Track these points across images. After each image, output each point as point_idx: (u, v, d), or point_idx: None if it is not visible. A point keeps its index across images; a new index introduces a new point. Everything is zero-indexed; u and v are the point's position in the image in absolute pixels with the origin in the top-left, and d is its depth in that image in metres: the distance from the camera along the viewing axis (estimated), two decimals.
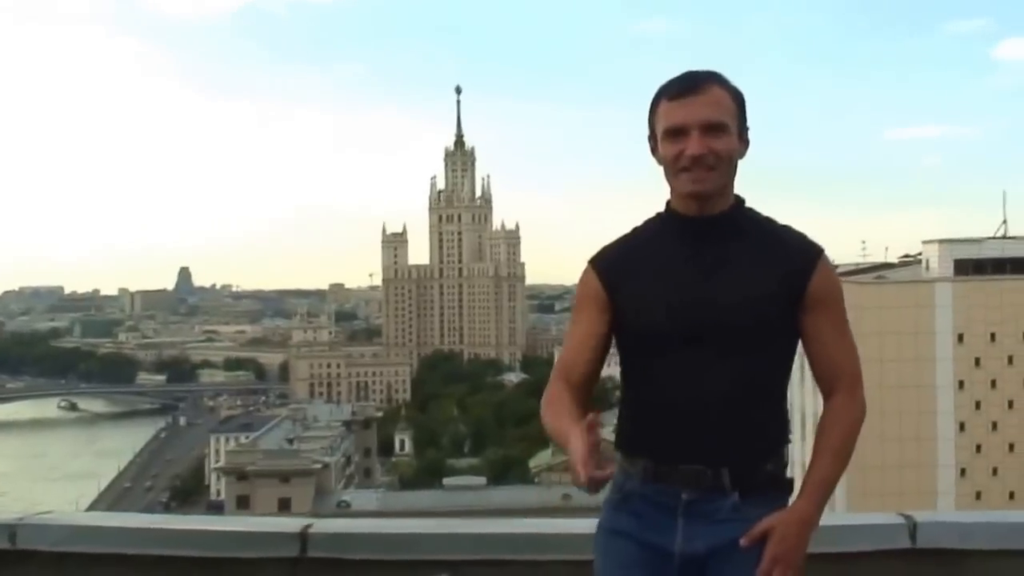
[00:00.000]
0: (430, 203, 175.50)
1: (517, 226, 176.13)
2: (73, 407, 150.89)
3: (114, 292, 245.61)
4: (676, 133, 2.41)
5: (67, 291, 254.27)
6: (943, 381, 41.77)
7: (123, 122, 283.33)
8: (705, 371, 2.39)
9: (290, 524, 3.22)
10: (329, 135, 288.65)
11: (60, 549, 3.26)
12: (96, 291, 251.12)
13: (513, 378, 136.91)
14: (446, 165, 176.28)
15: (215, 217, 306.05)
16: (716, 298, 2.39)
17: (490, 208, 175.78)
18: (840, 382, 2.50)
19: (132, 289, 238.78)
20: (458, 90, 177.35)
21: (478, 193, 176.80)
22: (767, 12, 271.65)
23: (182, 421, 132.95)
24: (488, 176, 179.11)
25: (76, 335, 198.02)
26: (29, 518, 3.36)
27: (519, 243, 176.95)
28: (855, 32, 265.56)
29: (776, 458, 2.46)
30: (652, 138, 2.50)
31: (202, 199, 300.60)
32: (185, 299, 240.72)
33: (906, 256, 50.45)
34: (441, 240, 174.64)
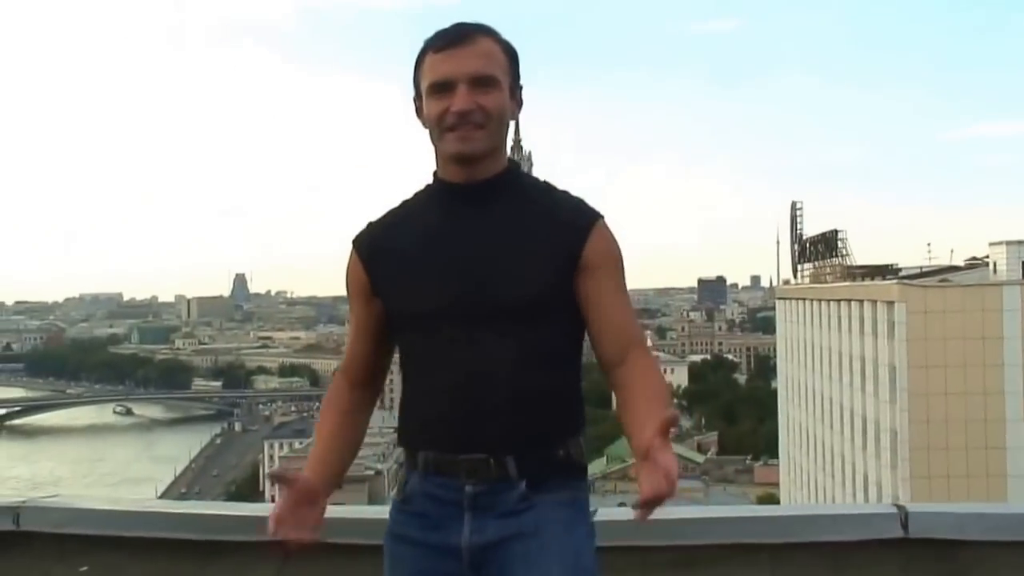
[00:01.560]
0: None
1: None
2: (129, 412, 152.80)
3: (171, 299, 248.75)
4: (441, 88, 2.15)
5: (126, 298, 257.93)
6: (1012, 388, 40.63)
7: (178, 132, 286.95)
8: (481, 352, 2.11)
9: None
10: (382, 141, 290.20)
11: (61, 531, 3.32)
12: (154, 298, 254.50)
13: None
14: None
15: (270, 224, 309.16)
16: (487, 271, 2.14)
17: None
18: (635, 347, 2.19)
19: (189, 296, 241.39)
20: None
21: None
22: (828, 8, 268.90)
23: (237, 427, 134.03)
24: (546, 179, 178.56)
25: (134, 341, 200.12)
26: (32, 501, 3.42)
27: None
28: (919, 28, 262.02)
29: (570, 443, 2.17)
30: (417, 98, 2.23)
31: (257, 206, 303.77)
32: (241, 305, 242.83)
33: (973, 259, 49.54)
34: None
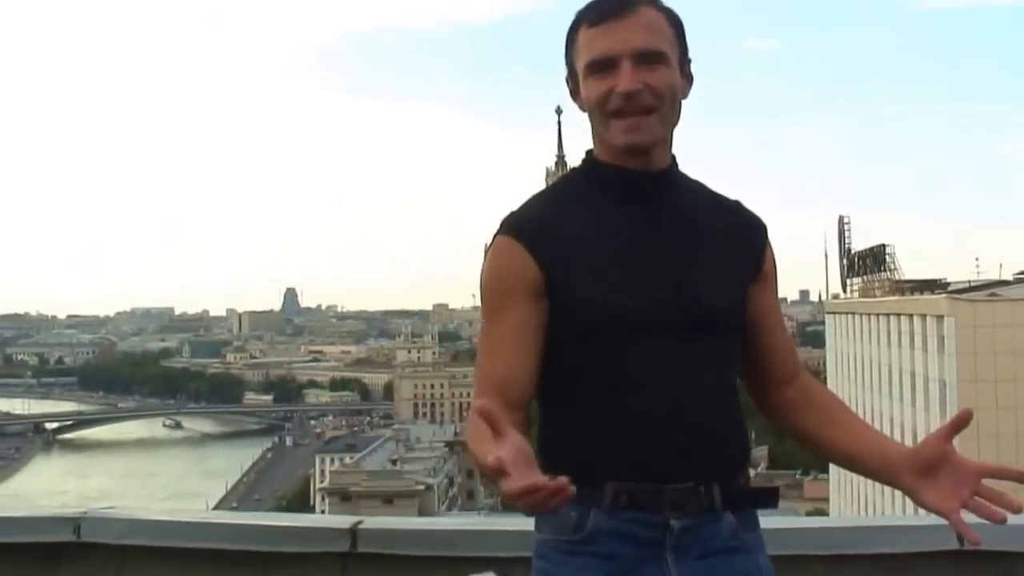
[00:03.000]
0: None
1: None
2: (178, 426, 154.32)
3: (222, 313, 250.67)
4: (602, 66, 1.85)
5: (177, 312, 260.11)
6: None
7: (230, 148, 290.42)
8: (693, 367, 1.83)
9: (341, 520, 3.26)
10: (431, 160, 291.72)
11: (122, 542, 3.32)
12: (205, 312, 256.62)
13: None
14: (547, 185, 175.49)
15: (321, 238, 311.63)
16: (693, 274, 1.87)
17: None
18: (799, 365, 2.06)
19: (240, 310, 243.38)
20: (559, 111, 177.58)
21: None
22: (877, 26, 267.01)
23: (288, 441, 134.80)
24: None
25: (185, 355, 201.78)
26: (92, 512, 3.43)
27: None
28: (966, 44, 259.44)
29: (749, 467, 1.95)
30: (571, 78, 1.94)
31: (308, 221, 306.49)
32: (291, 319, 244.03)
33: (1021, 273, 49.18)
34: None
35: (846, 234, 60.14)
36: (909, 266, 57.36)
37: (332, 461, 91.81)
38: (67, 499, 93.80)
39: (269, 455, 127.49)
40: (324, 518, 3.27)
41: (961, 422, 1.83)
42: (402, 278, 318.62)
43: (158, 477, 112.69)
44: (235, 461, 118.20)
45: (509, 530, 3.23)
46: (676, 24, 1.91)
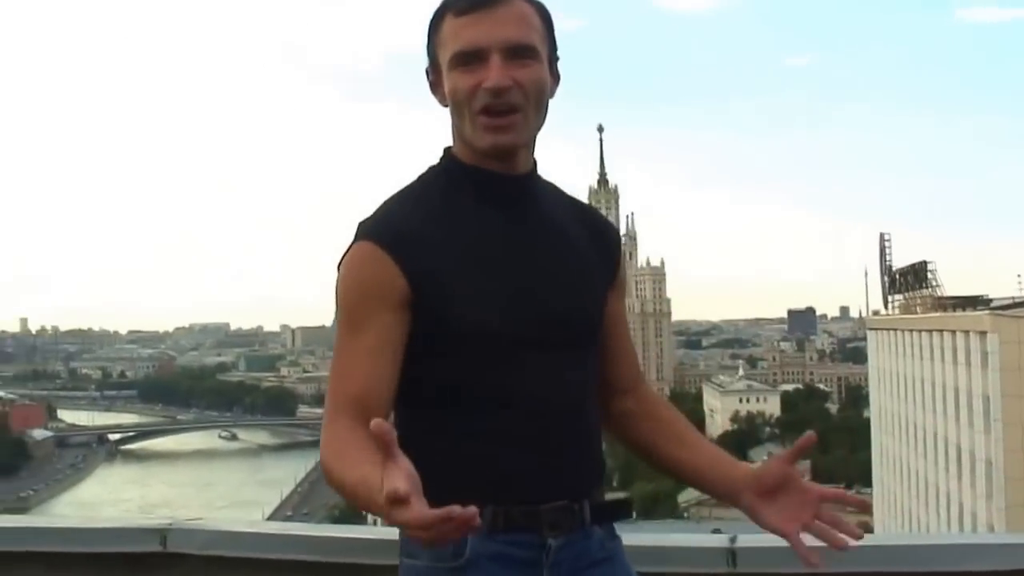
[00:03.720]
0: None
1: (662, 262, 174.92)
2: (234, 437, 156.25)
3: (276, 328, 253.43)
4: (469, 58, 1.71)
5: (233, 328, 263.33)
6: None
7: (281, 168, 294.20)
8: (558, 381, 1.76)
9: None
10: None
11: (207, 553, 3.31)
12: (259, 327, 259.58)
13: None
14: (590, 203, 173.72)
15: None
16: (561, 285, 1.79)
17: (635, 245, 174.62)
18: (641, 376, 2.04)
19: (293, 326, 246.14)
20: (600, 129, 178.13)
21: (623, 231, 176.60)
22: (918, 39, 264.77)
23: None
24: (632, 213, 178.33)
25: (241, 369, 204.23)
26: (178, 523, 3.42)
27: (664, 279, 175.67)
28: (1011, 57, 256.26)
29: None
30: (433, 69, 1.79)
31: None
32: None
33: None
34: None
35: (887, 251, 60.65)
36: (950, 283, 57.55)
37: None
38: (129, 507, 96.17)
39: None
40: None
41: (805, 446, 1.87)
42: None
43: (216, 487, 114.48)
44: (289, 472, 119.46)
45: None
46: (546, 19, 1.79)
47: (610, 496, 1.89)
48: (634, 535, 2.28)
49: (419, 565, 1.74)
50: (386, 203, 1.78)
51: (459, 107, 1.74)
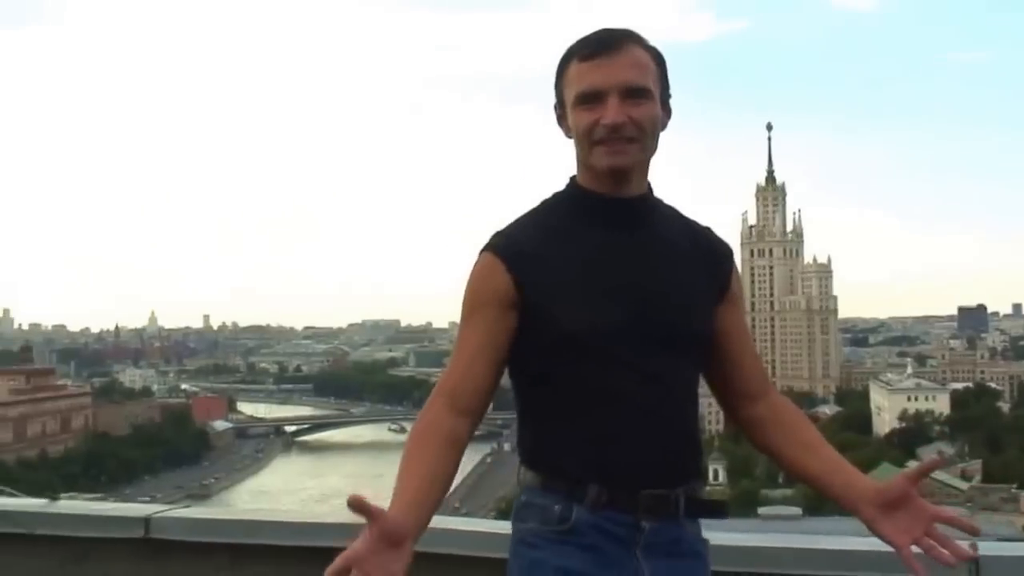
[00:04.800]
0: (741, 238, 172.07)
1: (829, 259, 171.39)
2: (403, 430, 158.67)
3: (445, 325, 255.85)
4: (591, 99, 1.99)
5: (403, 324, 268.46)
6: None
7: (441, 171, 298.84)
8: (660, 383, 1.98)
9: None
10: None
11: (430, 551, 2.99)
12: (429, 324, 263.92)
13: (827, 411, 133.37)
14: (757, 200, 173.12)
15: None
16: (662, 297, 2.00)
17: (801, 242, 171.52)
18: (769, 384, 2.21)
19: None
20: (769, 127, 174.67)
21: (789, 227, 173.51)
22: None
23: (507, 447, 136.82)
24: (799, 210, 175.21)
25: (411, 364, 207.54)
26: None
27: (831, 276, 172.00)
28: None
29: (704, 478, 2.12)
30: (560, 105, 2.08)
31: None
32: None
33: None
34: (752, 274, 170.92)
35: None
36: None
37: None
38: (305, 496, 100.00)
39: (489, 459, 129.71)
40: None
41: (931, 467, 2.04)
42: None
43: (385, 478, 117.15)
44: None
45: (780, 547, 3.03)
46: (660, 62, 2.05)
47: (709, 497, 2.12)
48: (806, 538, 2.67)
49: (531, 527, 2.02)
50: (515, 221, 2.09)
51: (581, 140, 2.04)
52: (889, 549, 2.03)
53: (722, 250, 2.19)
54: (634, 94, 1.99)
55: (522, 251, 2.02)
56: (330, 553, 3.35)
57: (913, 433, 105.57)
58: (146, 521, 3.66)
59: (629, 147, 2.00)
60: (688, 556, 2.03)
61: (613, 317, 1.98)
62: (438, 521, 2.81)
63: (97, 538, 3.73)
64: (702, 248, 2.13)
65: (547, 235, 2.04)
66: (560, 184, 2.16)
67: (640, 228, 2.06)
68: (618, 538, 1.97)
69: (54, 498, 4.12)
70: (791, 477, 2.24)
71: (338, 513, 3.30)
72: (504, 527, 2.35)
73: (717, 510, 2.09)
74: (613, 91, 1.99)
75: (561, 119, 2.10)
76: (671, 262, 2.06)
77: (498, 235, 2.07)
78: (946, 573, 2.56)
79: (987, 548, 2.60)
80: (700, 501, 2.06)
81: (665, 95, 2.07)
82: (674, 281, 2.05)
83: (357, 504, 1.78)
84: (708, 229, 2.19)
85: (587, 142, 2.02)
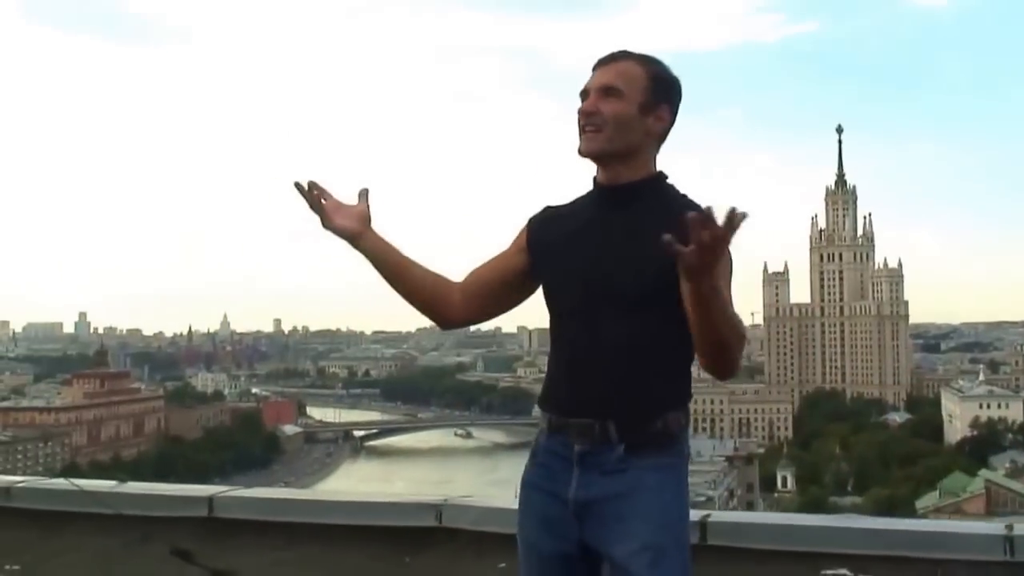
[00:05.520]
0: (811, 242, 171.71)
1: (900, 264, 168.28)
2: (469, 435, 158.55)
3: (513, 330, 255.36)
4: (583, 95, 2.51)
5: (471, 329, 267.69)
6: None
7: (508, 168, 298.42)
8: (595, 332, 2.42)
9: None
10: (707, 178, 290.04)
11: (478, 528, 3.51)
12: (497, 329, 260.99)
13: (897, 418, 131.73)
14: (827, 204, 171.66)
15: None
16: (610, 259, 2.44)
17: (872, 246, 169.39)
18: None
19: (530, 327, 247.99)
20: (839, 129, 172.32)
21: (859, 231, 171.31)
22: None
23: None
24: (870, 214, 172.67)
25: (479, 370, 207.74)
26: (452, 499, 3.67)
27: (902, 281, 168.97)
28: None
29: (668, 418, 2.45)
30: None
31: None
32: None
33: None
34: (822, 278, 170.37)
35: None
36: None
37: None
38: None
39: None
40: None
41: (733, 221, 2.09)
42: None
43: (452, 484, 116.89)
44: (522, 470, 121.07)
45: (862, 528, 3.34)
46: (656, 79, 2.52)
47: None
48: (909, 521, 2.97)
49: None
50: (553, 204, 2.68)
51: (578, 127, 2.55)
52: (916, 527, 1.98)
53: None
54: (608, 92, 2.48)
55: (541, 219, 2.62)
56: (377, 532, 3.54)
57: (985, 441, 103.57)
58: (209, 501, 3.81)
59: (595, 135, 2.49)
60: (622, 472, 2.42)
61: (570, 277, 2.49)
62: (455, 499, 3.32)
63: (163, 517, 3.87)
64: (671, 219, 2.22)
65: (563, 211, 2.61)
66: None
67: (620, 207, 2.50)
68: (562, 457, 2.47)
69: (123, 479, 4.37)
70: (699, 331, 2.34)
71: (386, 493, 3.72)
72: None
73: (660, 440, 2.44)
74: (593, 89, 2.50)
75: None
76: (633, 232, 2.43)
77: (540, 210, 2.66)
78: (981, 551, 2.88)
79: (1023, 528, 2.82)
80: (635, 432, 2.42)
81: (653, 104, 2.50)
82: (627, 252, 2.43)
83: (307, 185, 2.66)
84: (692, 203, 2.40)
85: (578, 130, 2.52)
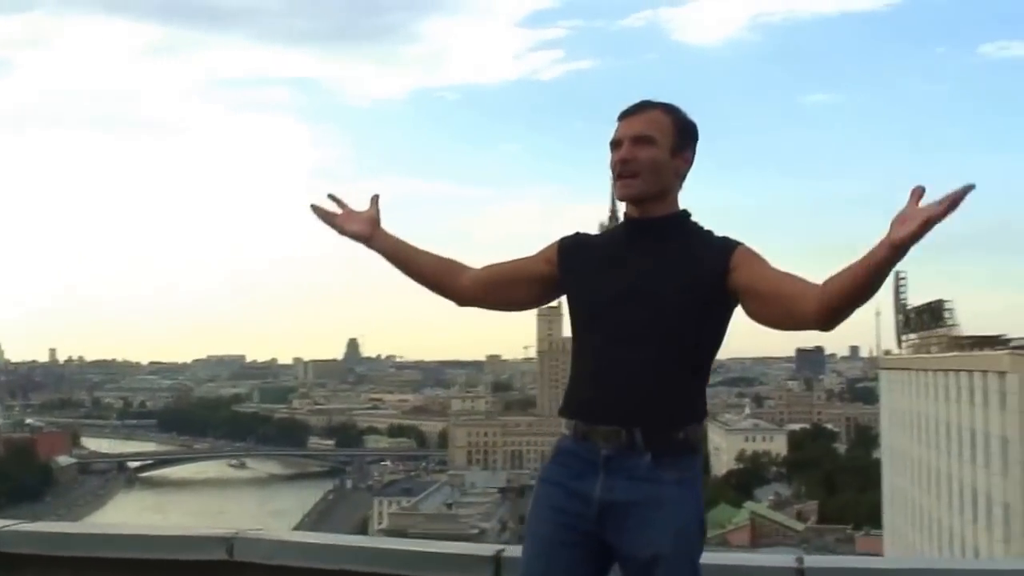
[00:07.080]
0: None
1: None
2: (243, 466, 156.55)
3: (289, 361, 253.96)
4: (614, 146, 2.75)
5: (247, 360, 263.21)
6: None
7: (293, 201, 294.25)
8: (625, 348, 2.64)
9: (485, 549, 3.38)
10: (489, 211, 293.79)
11: (271, 562, 3.45)
12: (273, 360, 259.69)
13: None
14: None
15: (381, 290, 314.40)
16: (639, 285, 2.67)
17: None
18: (808, 285, 2.58)
19: (306, 359, 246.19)
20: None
21: None
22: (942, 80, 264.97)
23: (348, 484, 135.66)
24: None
25: (255, 401, 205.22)
26: (243, 532, 3.56)
27: None
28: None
29: (688, 429, 2.68)
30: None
31: (370, 274, 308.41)
32: (353, 368, 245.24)
33: None
34: None
35: (901, 290, 58.82)
36: (967, 322, 55.48)
37: (390, 504, 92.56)
38: None
39: (330, 496, 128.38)
40: (469, 546, 3.49)
41: (961, 196, 2.31)
42: (458, 330, 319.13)
43: (228, 515, 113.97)
44: (299, 501, 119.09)
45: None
46: (678, 123, 2.79)
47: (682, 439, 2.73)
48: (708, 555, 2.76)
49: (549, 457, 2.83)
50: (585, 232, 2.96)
51: (613, 176, 2.79)
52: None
53: (715, 249, 2.72)
54: (641, 140, 2.73)
55: (574, 242, 2.87)
56: (166, 566, 3.47)
57: (750, 474, 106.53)
58: None
59: (632, 181, 2.74)
60: (649, 482, 2.63)
61: (600, 298, 2.72)
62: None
63: None
64: (698, 251, 2.71)
65: (595, 240, 2.88)
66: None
67: (647, 239, 2.75)
68: (586, 460, 2.68)
69: None
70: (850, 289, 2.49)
71: (175, 526, 4.34)
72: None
73: (682, 450, 2.68)
74: (627, 138, 2.74)
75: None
76: (660, 266, 2.69)
77: (575, 234, 2.91)
78: None
79: (811, 561, 3.07)
80: (660, 439, 2.64)
81: (679, 147, 2.76)
82: (650, 276, 2.68)
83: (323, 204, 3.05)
84: (717, 237, 2.75)
85: (613, 177, 2.77)
